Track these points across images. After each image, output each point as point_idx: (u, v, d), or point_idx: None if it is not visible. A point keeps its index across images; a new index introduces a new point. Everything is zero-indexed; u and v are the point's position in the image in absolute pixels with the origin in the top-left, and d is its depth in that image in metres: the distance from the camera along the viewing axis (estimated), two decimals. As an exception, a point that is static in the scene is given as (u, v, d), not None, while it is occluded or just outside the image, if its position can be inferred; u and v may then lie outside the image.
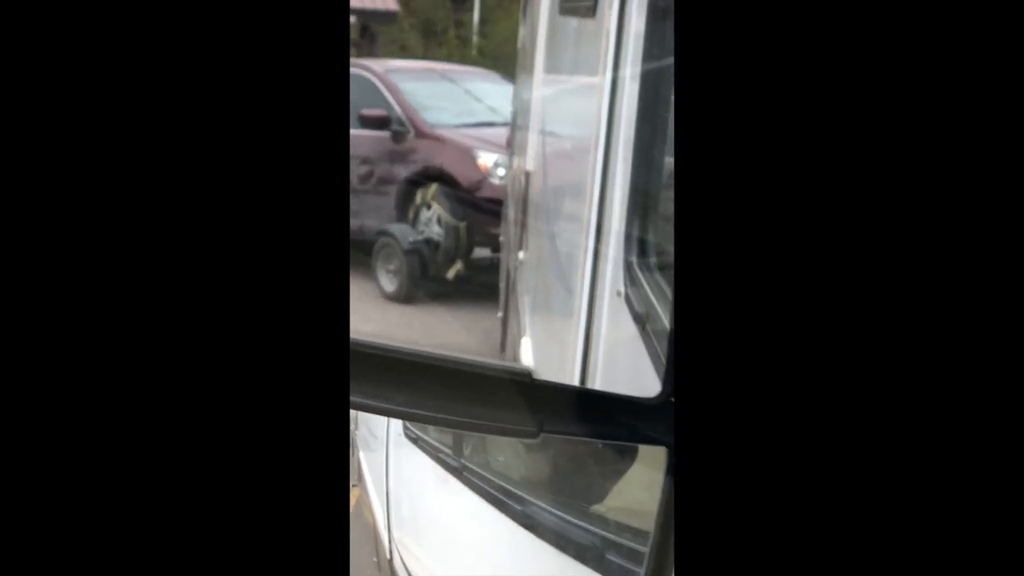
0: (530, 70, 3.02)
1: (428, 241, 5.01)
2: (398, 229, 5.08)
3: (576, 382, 1.52)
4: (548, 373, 2.01)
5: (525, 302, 2.59)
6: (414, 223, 5.13)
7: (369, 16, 9.28)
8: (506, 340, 3.04)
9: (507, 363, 0.70)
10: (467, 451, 1.30)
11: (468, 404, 0.68)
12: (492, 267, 4.27)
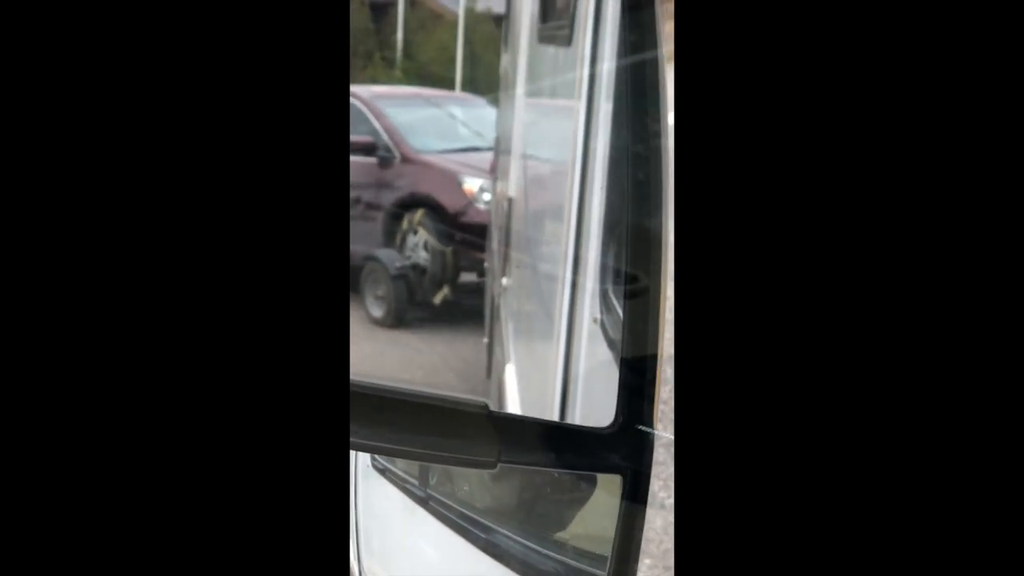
0: (511, 95, 3.05)
1: (415, 266, 5.02)
2: (385, 254, 5.09)
3: (556, 408, 1.53)
4: (531, 400, 2.02)
5: (509, 328, 2.59)
6: (401, 248, 5.14)
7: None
8: (491, 366, 3.04)
9: (465, 396, 0.73)
10: (433, 481, 1.31)
11: (429, 436, 0.70)
12: (478, 292, 4.27)
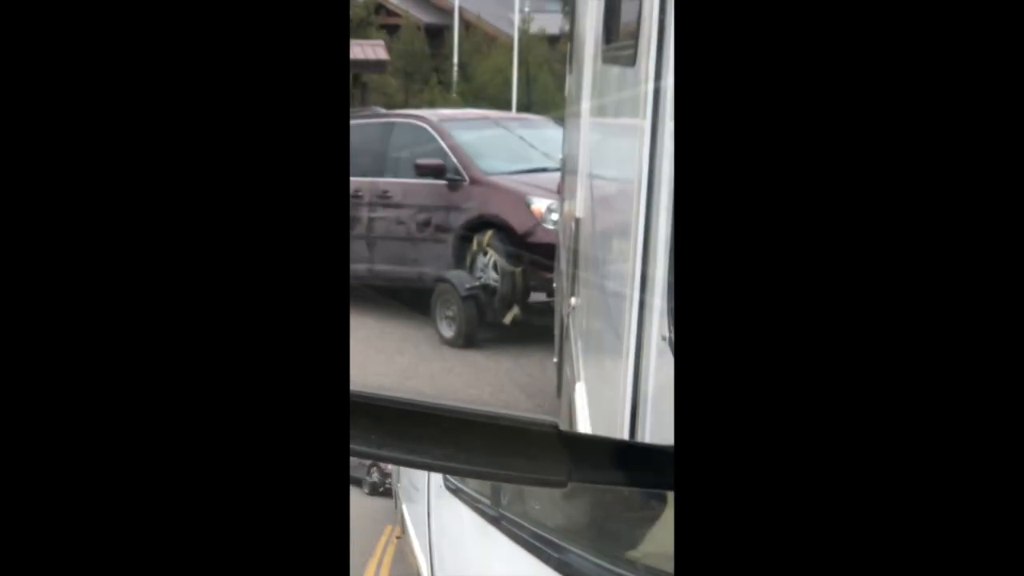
0: (577, 115, 3.06)
1: (485, 287, 5.05)
2: (455, 276, 5.14)
3: (626, 427, 1.53)
4: (600, 418, 2.02)
5: (578, 347, 2.60)
6: (471, 269, 5.18)
7: (361, 66, 9.49)
8: (561, 385, 3.05)
9: (534, 416, 0.74)
10: (505, 501, 1.32)
11: (500, 456, 0.71)
12: (548, 311, 4.28)
